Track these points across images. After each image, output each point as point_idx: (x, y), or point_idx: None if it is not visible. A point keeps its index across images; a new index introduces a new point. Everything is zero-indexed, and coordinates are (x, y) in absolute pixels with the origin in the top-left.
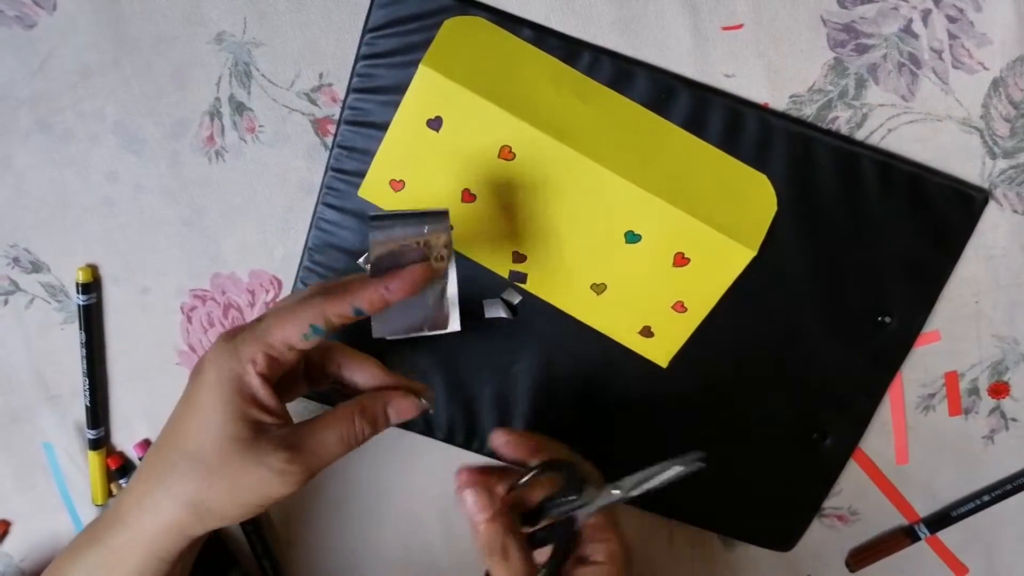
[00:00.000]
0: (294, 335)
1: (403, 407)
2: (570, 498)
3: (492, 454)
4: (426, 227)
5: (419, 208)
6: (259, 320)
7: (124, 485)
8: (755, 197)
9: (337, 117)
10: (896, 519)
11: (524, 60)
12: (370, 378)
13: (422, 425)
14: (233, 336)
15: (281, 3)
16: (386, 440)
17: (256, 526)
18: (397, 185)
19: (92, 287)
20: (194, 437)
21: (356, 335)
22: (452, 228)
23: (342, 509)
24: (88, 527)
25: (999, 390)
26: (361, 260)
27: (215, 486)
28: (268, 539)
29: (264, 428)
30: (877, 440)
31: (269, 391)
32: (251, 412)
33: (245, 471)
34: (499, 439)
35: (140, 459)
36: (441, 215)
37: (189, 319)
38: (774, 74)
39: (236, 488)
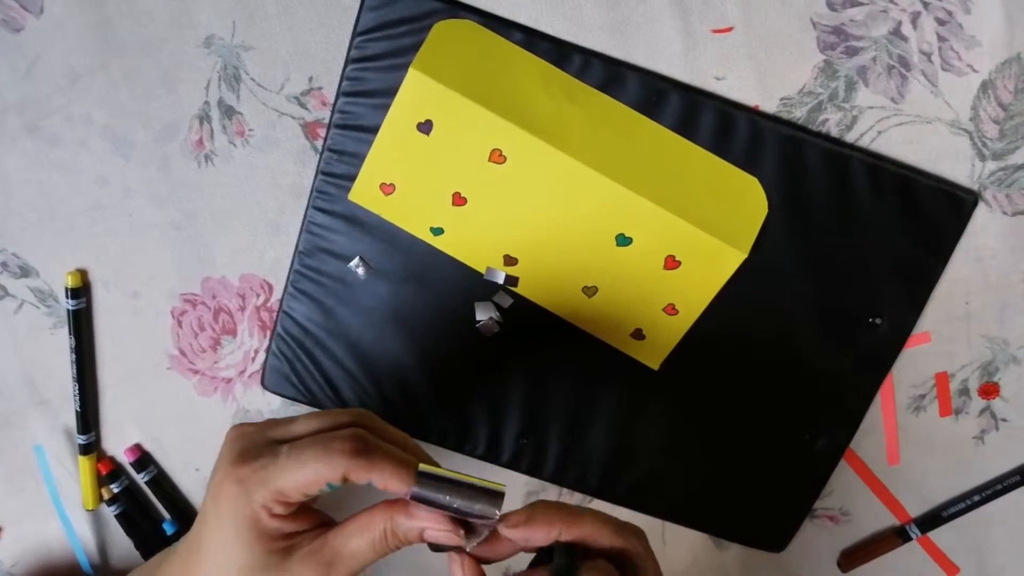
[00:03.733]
0: (309, 488)
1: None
2: None
3: (484, 457)
4: (476, 506)
5: (475, 480)
6: (274, 456)
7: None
8: (746, 199)
9: (327, 121)
10: (887, 519)
11: (514, 63)
12: (397, 485)
13: (415, 428)
14: (244, 474)
15: (270, 6)
16: None
17: None
18: (388, 189)
19: (81, 292)
20: (221, 566)
21: None
22: (500, 519)
23: (337, 511)
24: None
25: (989, 391)
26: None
27: None
28: None
29: (293, 549)
30: (868, 441)
31: (292, 520)
32: (278, 544)
33: None
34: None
35: (132, 464)
36: (496, 496)
37: (179, 323)
38: (764, 77)
39: None
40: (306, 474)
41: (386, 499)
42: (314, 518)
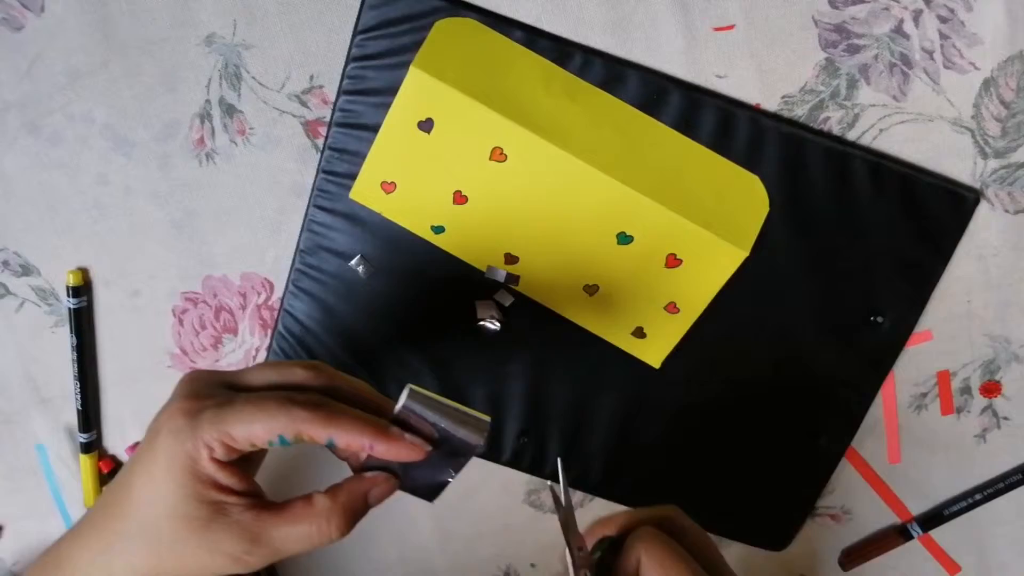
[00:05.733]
0: (260, 438)
1: (383, 492)
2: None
3: (485, 455)
4: (459, 434)
5: (463, 407)
6: (229, 399)
7: (69, 529)
8: (747, 198)
9: (328, 119)
10: (889, 518)
11: (515, 61)
12: (359, 439)
13: None
14: (196, 408)
15: (271, 5)
16: None
17: None
18: (388, 187)
19: (82, 290)
20: (147, 508)
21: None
22: (483, 447)
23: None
24: (34, 570)
25: (991, 389)
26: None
27: (167, 562)
28: None
29: (223, 510)
30: (870, 439)
31: (230, 473)
32: (207, 494)
33: (198, 553)
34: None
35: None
36: (482, 425)
37: (180, 322)
38: (766, 75)
39: (189, 567)
40: (261, 421)
41: (331, 486)
42: (246, 481)
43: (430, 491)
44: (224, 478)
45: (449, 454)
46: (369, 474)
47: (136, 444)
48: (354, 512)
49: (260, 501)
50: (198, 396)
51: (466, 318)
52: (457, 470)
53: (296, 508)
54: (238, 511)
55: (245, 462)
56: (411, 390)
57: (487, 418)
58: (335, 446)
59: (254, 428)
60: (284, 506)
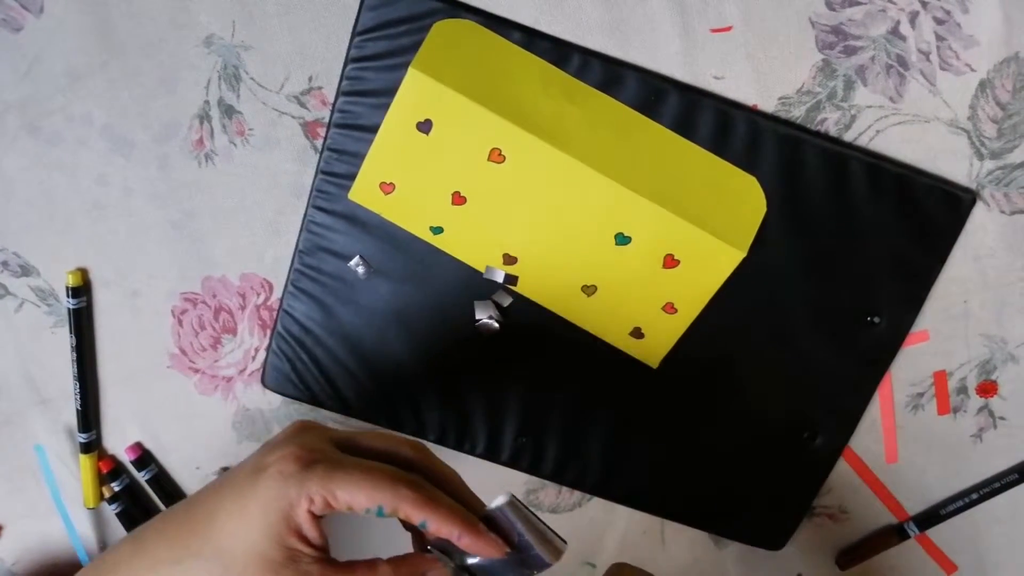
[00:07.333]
0: (360, 504)
1: None
2: None
3: (483, 455)
4: (537, 549)
5: (548, 527)
6: (341, 460)
7: (128, 534)
8: (744, 199)
9: (327, 120)
10: (885, 517)
11: (513, 63)
12: (451, 528)
13: (415, 426)
14: (310, 459)
15: (270, 6)
16: None
17: None
18: (387, 188)
19: (82, 291)
20: (228, 537)
21: None
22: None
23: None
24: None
25: (987, 389)
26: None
27: None
28: None
29: (296, 558)
30: (867, 439)
31: (315, 526)
32: (289, 540)
33: None
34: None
35: (133, 462)
36: (559, 549)
37: (180, 322)
38: (763, 76)
39: None
40: (367, 490)
41: (394, 558)
42: (323, 537)
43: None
44: (309, 530)
45: (519, 563)
46: (430, 555)
47: (136, 444)
48: None
49: (328, 557)
50: (312, 448)
51: (465, 318)
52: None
53: (359, 571)
54: (308, 562)
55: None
56: (511, 497)
57: (565, 544)
58: (426, 527)
59: (359, 495)
60: (348, 566)
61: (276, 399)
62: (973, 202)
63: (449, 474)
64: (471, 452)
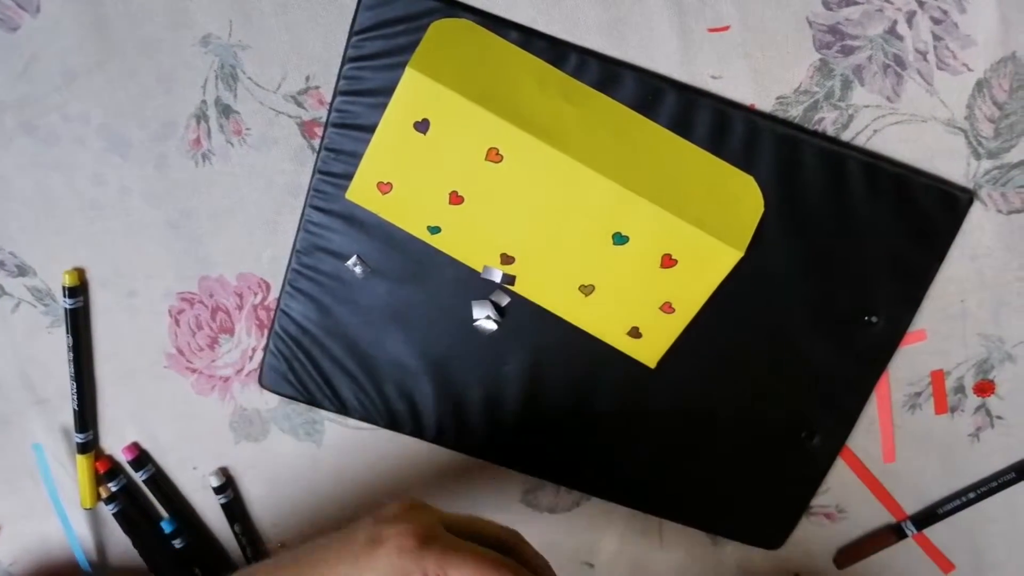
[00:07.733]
0: None
1: None
2: None
3: (482, 455)
4: None
5: None
6: (457, 543)
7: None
8: (742, 198)
9: (324, 120)
10: (883, 517)
11: (511, 62)
12: None
13: (412, 426)
14: (428, 537)
15: (267, 5)
16: (378, 442)
17: (247, 529)
18: (384, 188)
19: (79, 291)
20: None
21: None
22: None
23: (333, 511)
24: None
25: (985, 388)
26: None
27: None
28: (260, 542)
29: None
30: (864, 438)
31: None
32: None
33: None
34: None
35: (130, 462)
36: None
37: (177, 322)
38: (760, 75)
39: None
40: (476, 571)
41: None
42: None
43: None
44: None
45: None
46: None
47: (133, 444)
48: None
49: None
50: (429, 527)
51: (462, 318)
52: None
53: None
54: None
55: None
56: None
57: None
58: None
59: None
60: None
61: (273, 399)
62: (970, 202)
63: (543, 564)
64: (468, 452)
